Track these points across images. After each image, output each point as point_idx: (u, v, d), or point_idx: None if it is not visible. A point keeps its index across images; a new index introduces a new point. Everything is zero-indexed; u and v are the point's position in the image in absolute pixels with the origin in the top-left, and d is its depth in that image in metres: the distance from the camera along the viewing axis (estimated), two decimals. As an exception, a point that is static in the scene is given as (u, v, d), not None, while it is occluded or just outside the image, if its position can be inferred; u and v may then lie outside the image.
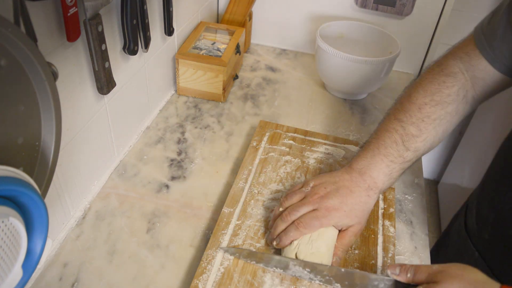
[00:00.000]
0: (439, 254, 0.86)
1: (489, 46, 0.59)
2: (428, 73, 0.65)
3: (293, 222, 0.59)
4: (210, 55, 0.93)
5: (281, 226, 0.60)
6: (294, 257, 0.58)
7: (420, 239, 0.69)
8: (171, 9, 0.81)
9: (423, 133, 0.62)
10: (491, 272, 0.67)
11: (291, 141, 0.82)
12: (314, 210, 0.59)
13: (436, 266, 0.49)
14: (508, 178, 0.63)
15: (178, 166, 0.79)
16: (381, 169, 0.62)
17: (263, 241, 0.63)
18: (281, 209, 0.62)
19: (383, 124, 0.65)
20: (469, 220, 0.75)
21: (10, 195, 0.36)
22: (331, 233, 0.60)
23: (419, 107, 0.62)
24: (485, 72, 0.61)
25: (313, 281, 0.57)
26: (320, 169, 0.76)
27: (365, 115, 0.96)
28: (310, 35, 1.16)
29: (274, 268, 0.58)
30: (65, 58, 0.56)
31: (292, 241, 0.59)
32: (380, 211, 0.69)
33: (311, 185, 0.63)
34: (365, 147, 0.65)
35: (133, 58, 0.75)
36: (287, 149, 0.80)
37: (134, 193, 0.73)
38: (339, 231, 0.61)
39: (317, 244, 0.59)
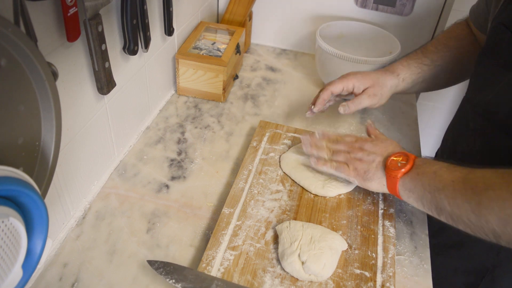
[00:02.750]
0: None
1: (475, 17, 0.79)
2: (456, 24, 0.85)
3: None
4: (210, 55, 0.93)
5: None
6: (297, 258, 0.58)
7: (420, 239, 0.69)
8: (171, 9, 0.81)
9: (440, 51, 0.80)
10: None
11: (291, 141, 0.82)
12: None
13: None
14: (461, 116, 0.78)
15: (178, 166, 0.79)
16: (400, 62, 0.81)
17: (263, 241, 0.63)
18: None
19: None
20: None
21: (10, 195, 0.36)
22: (334, 238, 0.60)
23: (438, 39, 0.83)
24: (477, 33, 0.80)
25: None
26: (320, 169, 0.76)
27: (365, 115, 0.96)
28: (310, 35, 1.16)
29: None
30: (65, 58, 0.56)
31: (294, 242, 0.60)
32: (380, 212, 0.69)
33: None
34: None
35: (133, 58, 0.75)
36: (287, 149, 0.79)
37: (134, 193, 0.73)
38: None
39: (320, 245, 0.58)
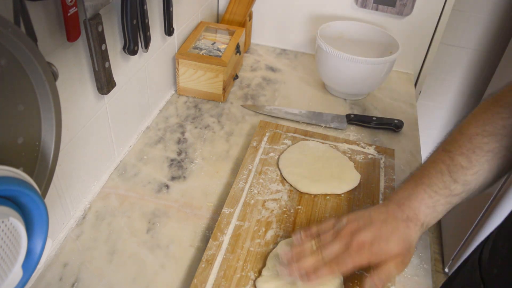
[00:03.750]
0: (450, 279, 0.80)
1: None
2: (482, 104, 0.59)
3: (322, 258, 0.54)
4: (210, 55, 0.93)
5: (309, 261, 0.54)
6: None
7: (420, 239, 0.68)
8: (171, 9, 0.81)
9: (474, 166, 0.55)
10: None
11: (291, 141, 0.82)
12: (346, 247, 0.54)
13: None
14: None
15: (178, 166, 0.79)
16: (423, 200, 0.55)
17: (263, 241, 0.63)
18: (313, 245, 0.56)
19: (431, 156, 0.60)
20: (484, 251, 0.69)
21: (10, 195, 0.36)
22: (335, 281, 0.57)
23: (470, 137, 0.56)
24: None
25: None
26: (320, 169, 0.76)
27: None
28: (310, 35, 1.16)
29: None
30: (65, 58, 0.56)
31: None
32: (380, 211, 0.69)
33: (344, 221, 0.57)
34: (408, 179, 0.59)
35: (133, 58, 0.75)
36: (287, 149, 0.80)
37: (134, 193, 0.73)
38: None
39: None
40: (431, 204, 0.55)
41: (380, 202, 0.71)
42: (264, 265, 0.60)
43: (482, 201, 1.47)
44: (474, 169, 0.55)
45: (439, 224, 1.91)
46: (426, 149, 1.24)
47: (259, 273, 0.59)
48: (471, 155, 0.55)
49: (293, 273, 0.54)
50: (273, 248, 0.62)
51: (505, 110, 0.56)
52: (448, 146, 0.58)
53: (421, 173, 0.58)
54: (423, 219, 0.55)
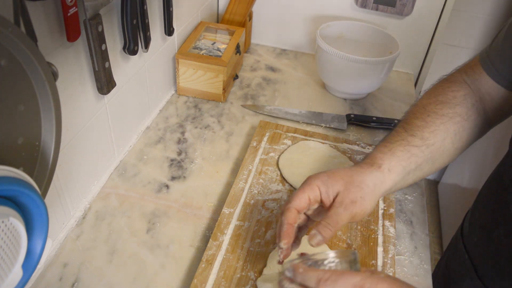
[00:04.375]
0: (442, 257, 0.87)
1: (491, 62, 0.58)
2: (434, 84, 0.64)
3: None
4: (210, 55, 0.93)
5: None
6: None
7: (420, 239, 0.69)
8: (171, 9, 0.81)
9: (430, 126, 0.57)
10: (476, 275, 0.67)
11: (291, 141, 0.82)
12: None
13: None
14: (500, 188, 0.63)
15: (178, 166, 0.79)
16: (381, 150, 0.56)
17: (263, 241, 0.63)
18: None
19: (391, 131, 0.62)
20: (465, 223, 0.75)
21: (10, 195, 0.36)
22: None
23: (424, 106, 0.60)
24: (488, 86, 0.59)
25: None
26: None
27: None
28: (310, 35, 1.16)
29: None
30: (65, 58, 0.56)
31: None
32: (380, 212, 0.69)
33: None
34: None
35: (133, 58, 0.75)
36: (287, 149, 0.79)
37: (134, 193, 0.73)
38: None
39: None
40: (386, 150, 0.56)
41: (380, 201, 0.71)
42: (265, 264, 0.60)
43: (482, 201, 1.47)
44: (430, 128, 0.57)
45: (439, 224, 1.91)
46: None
47: (260, 273, 0.59)
48: (425, 118, 0.58)
49: None
50: (274, 247, 0.62)
51: (454, 85, 0.61)
52: (404, 118, 0.61)
53: (381, 142, 0.59)
54: (379, 162, 0.55)
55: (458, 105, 0.59)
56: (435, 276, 0.79)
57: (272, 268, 0.58)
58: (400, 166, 0.55)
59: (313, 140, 0.82)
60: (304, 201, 0.51)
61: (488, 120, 0.61)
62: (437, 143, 0.57)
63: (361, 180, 0.53)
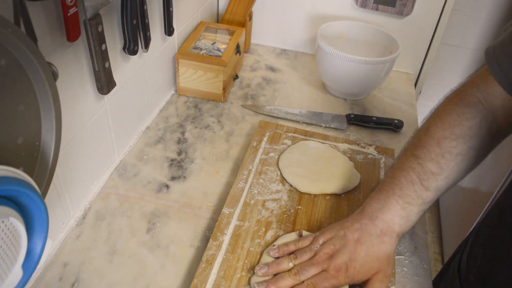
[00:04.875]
0: (435, 282, 0.80)
1: (500, 68, 0.52)
2: (446, 104, 0.59)
3: (302, 282, 0.54)
4: (210, 55, 0.93)
5: (287, 282, 0.54)
6: None
7: (420, 239, 0.69)
8: (171, 9, 0.81)
9: (444, 171, 0.55)
10: None
11: (291, 141, 0.82)
12: (324, 271, 0.55)
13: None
14: (501, 227, 0.59)
15: (178, 166, 0.79)
16: (396, 212, 0.55)
17: (263, 242, 0.63)
18: (290, 264, 0.56)
19: (399, 161, 0.59)
20: (463, 257, 0.70)
21: (10, 195, 0.36)
22: None
23: (438, 141, 0.56)
24: (501, 98, 0.54)
25: None
26: (320, 169, 0.76)
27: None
28: (310, 35, 1.16)
29: None
30: (65, 58, 0.56)
31: None
32: (380, 211, 0.69)
33: (320, 242, 0.57)
34: (379, 188, 0.59)
35: (133, 58, 0.75)
36: (287, 149, 0.79)
37: (134, 193, 0.73)
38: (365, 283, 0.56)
39: None
40: (404, 215, 0.56)
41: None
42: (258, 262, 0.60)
43: (482, 201, 1.47)
44: (445, 174, 0.55)
45: (439, 224, 1.91)
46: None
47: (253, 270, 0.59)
48: (440, 160, 0.55)
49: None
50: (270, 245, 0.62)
51: (470, 110, 0.56)
52: (417, 152, 0.57)
53: (391, 183, 0.57)
54: (398, 230, 0.56)
55: (473, 137, 0.56)
56: None
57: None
58: (409, 226, 0.58)
59: (313, 140, 0.82)
60: None
61: (501, 133, 0.58)
62: (449, 187, 0.57)
63: (388, 256, 0.56)
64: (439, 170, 0.55)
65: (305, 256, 0.57)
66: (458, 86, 0.60)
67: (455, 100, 0.58)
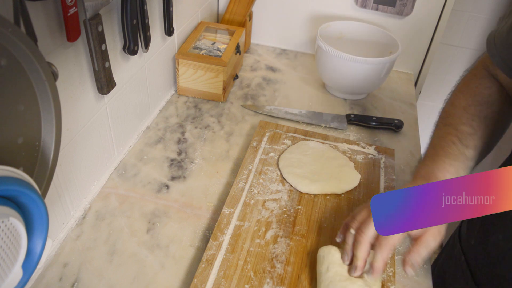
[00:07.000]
0: (437, 258, 0.86)
1: (499, 54, 0.58)
2: (463, 80, 0.66)
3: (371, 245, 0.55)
4: (210, 55, 0.93)
5: (362, 251, 0.55)
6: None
7: (420, 239, 0.69)
8: (171, 9, 0.81)
9: (477, 131, 0.60)
10: (472, 279, 0.67)
11: (291, 141, 0.82)
12: None
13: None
14: None
15: (178, 166, 0.79)
16: (446, 169, 0.58)
17: (263, 242, 0.63)
18: (352, 231, 0.57)
19: (435, 133, 0.63)
20: (463, 225, 0.75)
21: (10, 195, 0.36)
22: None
23: (465, 108, 0.62)
24: (505, 80, 0.60)
25: None
26: (320, 169, 0.76)
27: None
28: (310, 35, 1.16)
29: None
30: (65, 58, 0.56)
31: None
32: (380, 211, 0.69)
33: None
34: (424, 158, 0.62)
35: (133, 58, 0.75)
36: (287, 149, 0.79)
37: (134, 193, 0.73)
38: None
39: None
40: (453, 171, 0.58)
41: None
42: (263, 265, 0.60)
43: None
44: (478, 134, 0.60)
45: (439, 224, 1.91)
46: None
47: (262, 272, 0.59)
48: (471, 123, 0.60)
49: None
50: (273, 247, 0.62)
51: (485, 81, 0.63)
52: (448, 121, 0.63)
53: (434, 150, 0.61)
54: None
55: (493, 103, 0.61)
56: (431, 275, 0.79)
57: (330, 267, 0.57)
58: None
59: (313, 140, 0.82)
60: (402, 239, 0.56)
61: None
62: (485, 148, 0.61)
63: None
64: (473, 130, 0.60)
65: (363, 213, 0.58)
66: (471, 66, 0.68)
67: (469, 76, 0.66)
